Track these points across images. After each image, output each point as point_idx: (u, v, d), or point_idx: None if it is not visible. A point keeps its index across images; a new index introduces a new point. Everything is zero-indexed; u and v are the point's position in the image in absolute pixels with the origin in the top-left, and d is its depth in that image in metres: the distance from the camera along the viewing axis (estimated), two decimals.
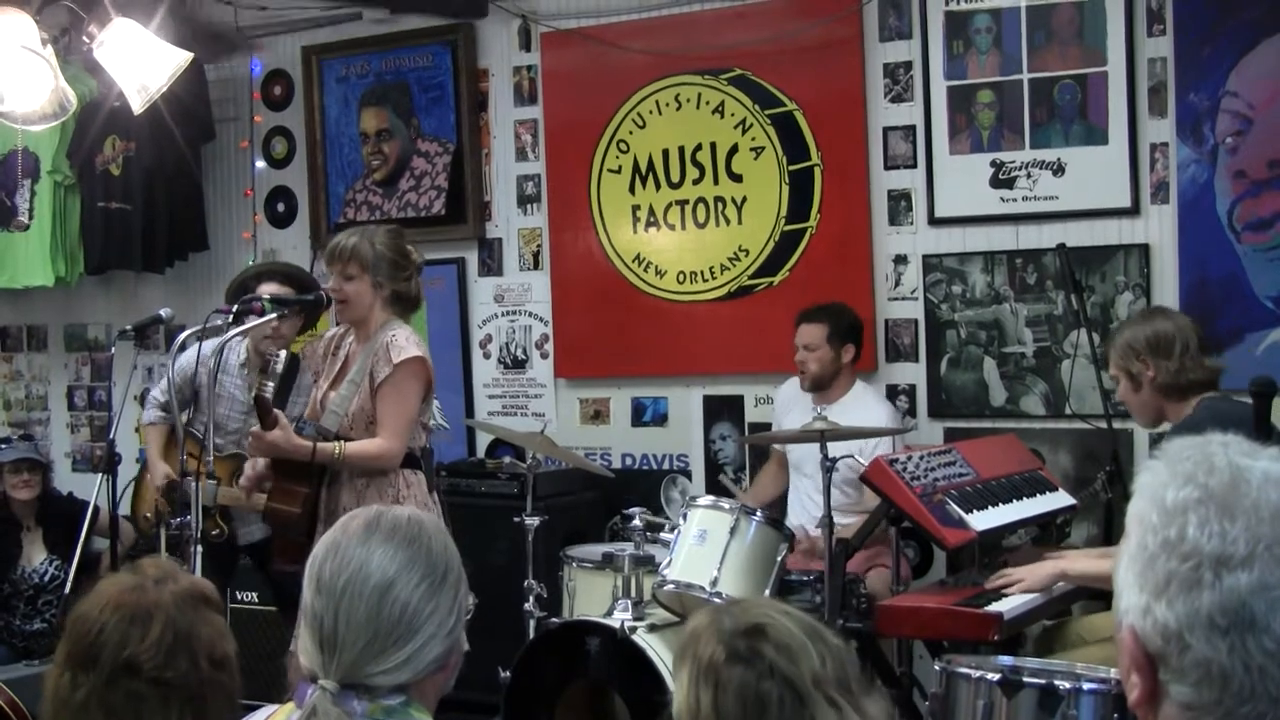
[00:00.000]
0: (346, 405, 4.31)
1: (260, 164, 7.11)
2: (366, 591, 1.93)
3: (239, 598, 5.97)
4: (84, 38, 4.39)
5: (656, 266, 6.07)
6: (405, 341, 4.28)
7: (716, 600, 4.05)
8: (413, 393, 4.30)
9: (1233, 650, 1.22)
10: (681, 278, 6.02)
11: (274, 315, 4.45)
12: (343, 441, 4.26)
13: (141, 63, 4.46)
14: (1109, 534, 4.74)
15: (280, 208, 7.08)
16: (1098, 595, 4.24)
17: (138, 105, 4.52)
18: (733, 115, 5.89)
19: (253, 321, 4.43)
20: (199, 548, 4.09)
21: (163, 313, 5.09)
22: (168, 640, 2.03)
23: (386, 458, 4.28)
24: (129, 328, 5.09)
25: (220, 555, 5.00)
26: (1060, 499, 4.63)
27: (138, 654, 2.01)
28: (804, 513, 5.12)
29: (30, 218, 7.18)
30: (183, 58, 4.48)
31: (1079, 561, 4.11)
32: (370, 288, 4.36)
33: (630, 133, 6.11)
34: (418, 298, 4.49)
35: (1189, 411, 3.91)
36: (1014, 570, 4.10)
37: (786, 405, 5.35)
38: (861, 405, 5.12)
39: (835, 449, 4.37)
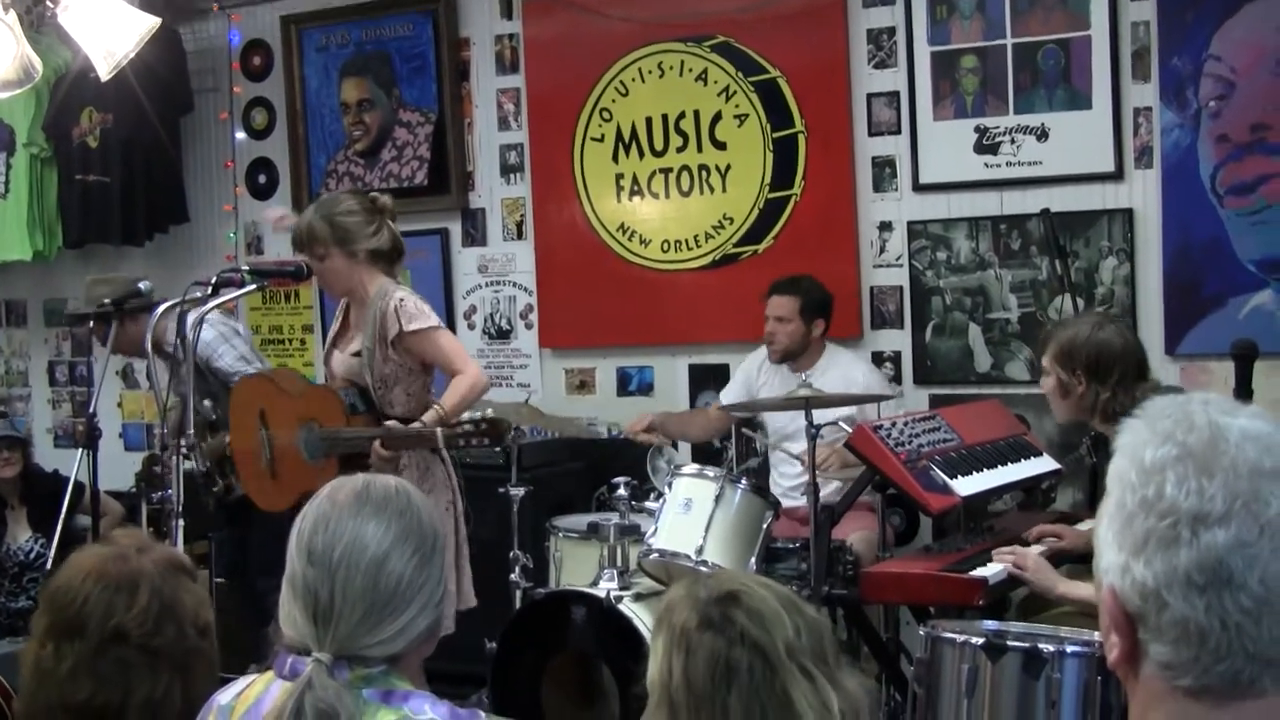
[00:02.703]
0: (367, 372, 4.30)
1: (240, 135, 7.09)
2: (363, 564, 1.93)
3: None
4: (48, 1, 4.34)
5: (641, 235, 6.06)
6: (415, 308, 4.27)
7: (703, 569, 4.05)
8: (444, 338, 4.32)
9: (1210, 608, 1.22)
10: (666, 246, 6.01)
11: (254, 286, 4.44)
12: (436, 405, 4.25)
13: (107, 28, 4.41)
14: (1094, 499, 4.75)
15: (261, 179, 7.06)
16: (1082, 559, 4.24)
17: (105, 72, 4.48)
18: (716, 83, 5.87)
19: (233, 293, 4.42)
20: (180, 521, 4.08)
21: (141, 286, 5.08)
22: (154, 608, 2.04)
23: (480, 379, 4.32)
24: (108, 302, 5.08)
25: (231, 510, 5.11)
26: (1045, 464, 4.64)
27: (125, 622, 2.01)
28: (785, 482, 5.14)
29: (6, 191, 7.16)
30: (151, 23, 4.43)
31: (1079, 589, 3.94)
32: (345, 259, 4.32)
33: (613, 101, 6.09)
34: (396, 247, 4.43)
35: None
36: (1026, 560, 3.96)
37: (760, 376, 5.33)
38: (838, 368, 5.15)
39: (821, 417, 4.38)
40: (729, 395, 5.43)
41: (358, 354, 4.34)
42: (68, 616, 2.04)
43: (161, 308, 4.47)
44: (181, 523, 4.07)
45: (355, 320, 4.43)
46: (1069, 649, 3.12)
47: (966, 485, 4.13)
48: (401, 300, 4.26)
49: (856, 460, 4.21)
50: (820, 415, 4.40)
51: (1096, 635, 3.06)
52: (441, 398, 4.27)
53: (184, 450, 4.24)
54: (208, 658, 2.13)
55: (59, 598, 2.07)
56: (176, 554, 2.19)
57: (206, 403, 4.80)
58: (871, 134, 5.62)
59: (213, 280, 4.33)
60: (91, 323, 5.30)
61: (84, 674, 2.02)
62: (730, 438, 5.74)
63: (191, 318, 4.29)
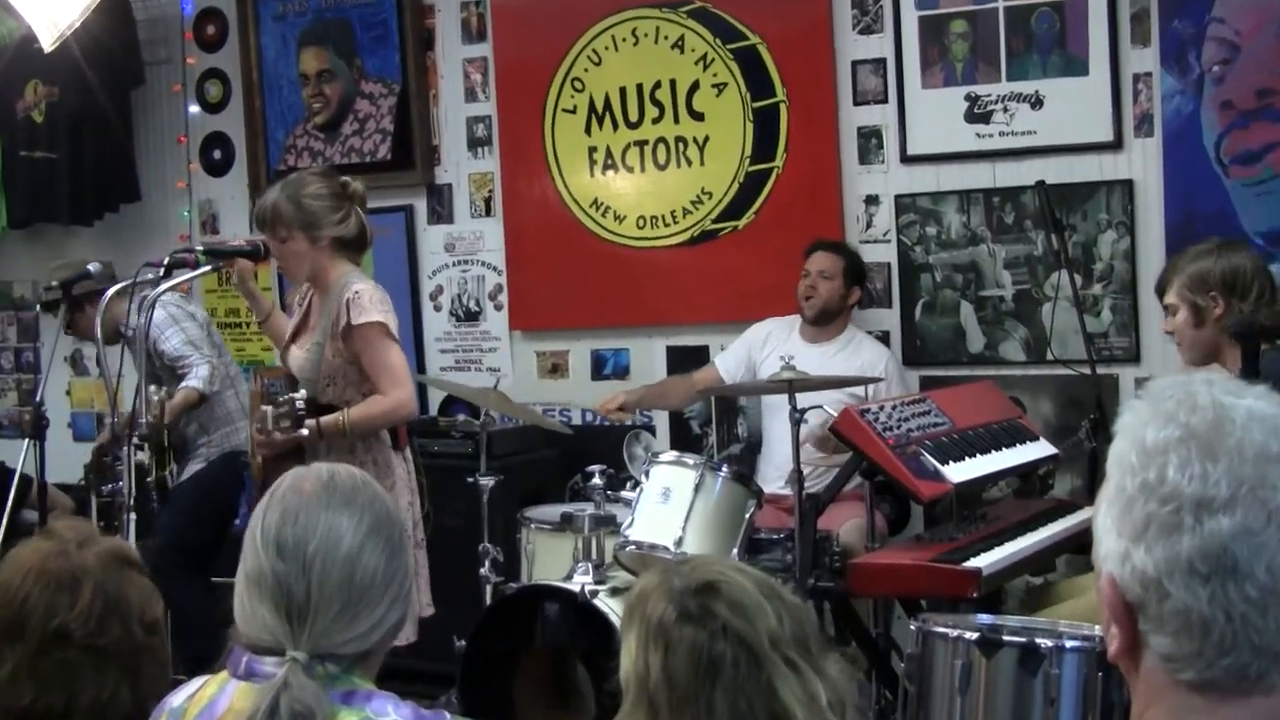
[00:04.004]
0: (316, 369, 4.27)
1: (194, 109, 7.05)
2: (338, 558, 1.93)
3: None
4: None
5: (615, 211, 6.03)
6: (369, 302, 4.21)
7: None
8: (389, 345, 4.26)
9: (1214, 598, 1.21)
10: (641, 223, 5.99)
11: (208, 268, 4.41)
12: (346, 409, 4.21)
13: None
14: (1093, 486, 4.75)
15: (216, 155, 7.02)
16: (1084, 548, 4.24)
17: (48, 42, 4.44)
18: (693, 50, 5.84)
19: (186, 274, 4.39)
20: (132, 515, 4.06)
21: (91, 267, 5.05)
22: (98, 606, 2.02)
23: (399, 409, 4.24)
24: (55, 284, 5.04)
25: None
26: (1042, 449, 4.64)
27: (67, 622, 2.00)
28: (784, 468, 5.11)
29: None
30: None
31: None
32: (307, 244, 4.28)
33: (585, 70, 6.06)
34: (362, 236, 4.39)
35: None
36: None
37: (765, 347, 5.31)
38: (857, 348, 5.20)
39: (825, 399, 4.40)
40: (727, 361, 5.43)
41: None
42: (6, 618, 2.02)
43: (111, 290, 4.43)
44: (133, 516, 4.05)
45: (316, 312, 4.39)
46: (1068, 644, 3.10)
47: (959, 471, 4.12)
48: (357, 293, 4.20)
49: None
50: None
51: (1097, 630, 3.05)
52: (352, 408, 4.23)
53: (135, 440, 4.21)
54: (158, 656, 2.11)
55: None
56: (121, 546, 2.18)
57: (152, 388, 4.78)
58: (857, 103, 5.59)
59: (165, 261, 4.30)
60: (39, 308, 5.28)
61: (25, 678, 2.00)
62: (710, 421, 5.73)
63: (144, 300, 4.27)
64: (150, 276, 4.31)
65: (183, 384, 5.31)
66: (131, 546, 2.18)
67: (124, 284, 4.32)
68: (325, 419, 4.19)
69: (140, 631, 2.07)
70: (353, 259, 4.36)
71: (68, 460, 6.36)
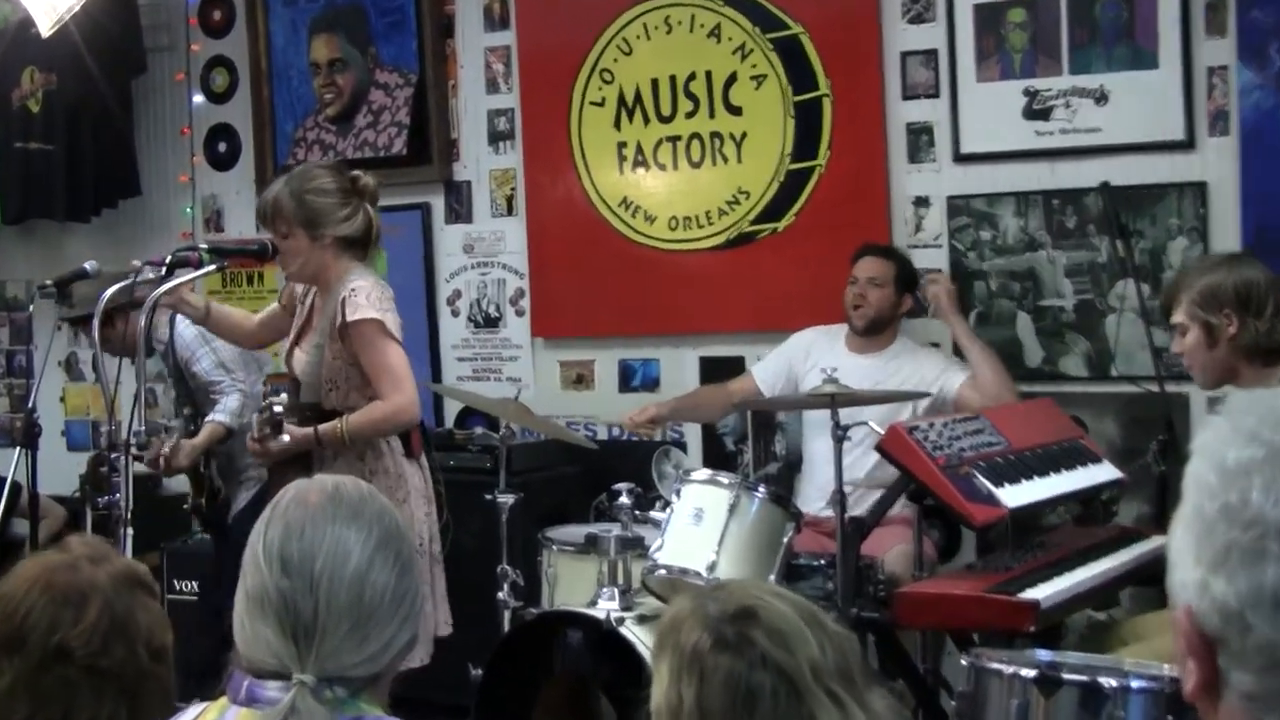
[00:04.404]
0: (317, 371, 4.29)
1: (198, 99, 7.08)
2: (347, 575, 1.94)
3: (176, 586, 5.95)
4: None
5: (645, 211, 6.03)
6: (365, 299, 4.23)
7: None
8: (387, 344, 4.27)
9: None
10: (674, 224, 5.98)
11: (213, 267, 4.41)
12: (345, 416, 4.23)
13: None
14: (1162, 513, 4.71)
15: (221, 148, 7.05)
16: (1151, 580, 4.21)
17: (46, 27, 4.47)
18: (730, 40, 5.83)
19: (189, 274, 4.40)
20: (129, 530, 4.06)
21: (88, 266, 5.06)
22: (104, 625, 2.04)
23: (400, 414, 4.25)
24: (50, 283, 5.06)
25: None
26: (1105, 472, 4.60)
27: (69, 639, 2.02)
28: (825, 488, 5.08)
29: None
30: None
31: None
32: (308, 242, 4.30)
33: (615, 60, 6.06)
34: (368, 235, 4.40)
35: (1274, 383, 3.85)
36: None
37: (809, 358, 5.28)
38: (911, 361, 5.17)
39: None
40: (765, 372, 5.42)
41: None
42: (9, 629, 2.04)
43: (109, 291, 4.44)
44: (130, 531, 4.05)
45: (318, 312, 4.40)
46: (1134, 684, 3.06)
47: (1015, 495, 4.09)
48: (354, 290, 4.22)
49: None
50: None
51: (1167, 669, 3.02)
52: (351, 415, 4.23)
53: (134, 450, 4.23)
54: (161, 683, 2.13)
55: (0, 608, 2.06)
56: (136, 568, 2.19)
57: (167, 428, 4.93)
58: (906, 97, 5.58)
59: (166, 259, 4.31)
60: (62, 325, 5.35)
61: (22, 693, 2.03)
62: (746, 437, 5.71)
63: (146, 304, 4.27)
64: (150, 276, 4.32)
65: (209, 417, 5.34)
66: (146, 570, 2.19)
67: (122, 284, 4.32)
68: (324, 427, 4.23)
69: (146, 656, 2.09)
70: (358, 257, 4.38)
71: (61, 470, 6.39)
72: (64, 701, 2.03)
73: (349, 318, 4.20)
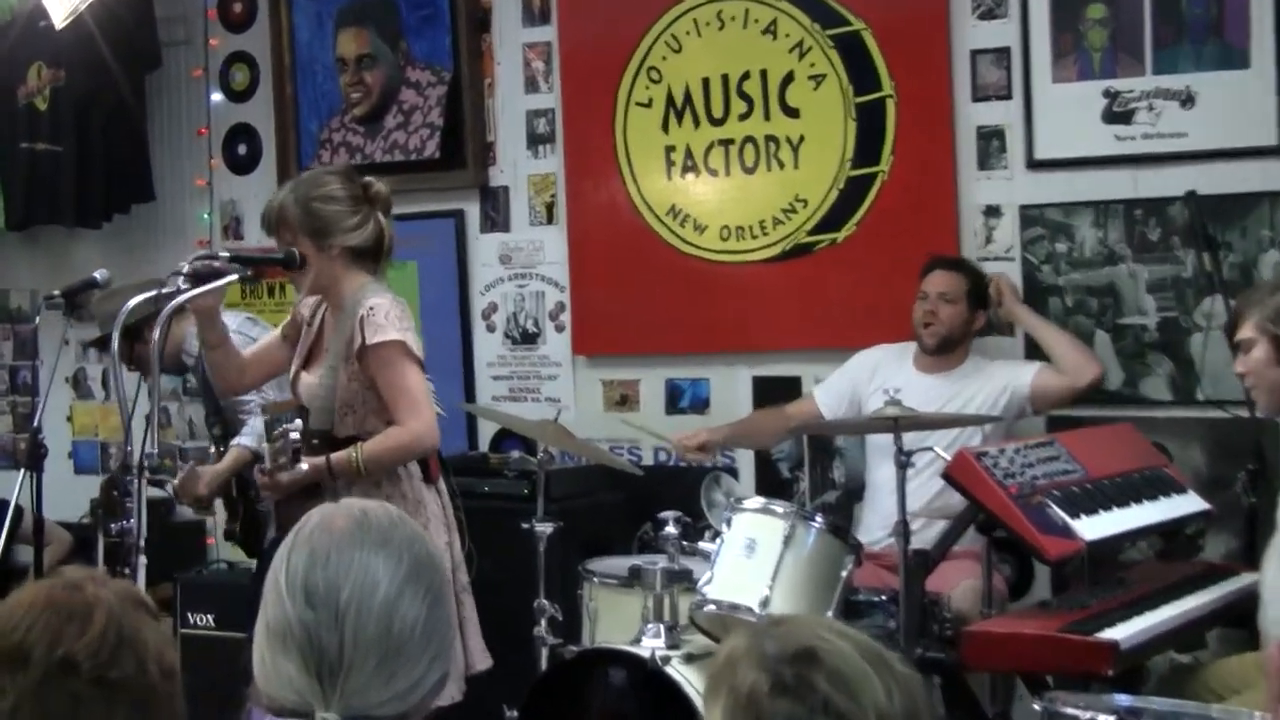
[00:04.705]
0: (330, 396, 4.30)
1: (217, 97, 7.13)
2: (375, 606, 1.95)
3: (191, 620, 5.98)
4: None
5: (695, 220, 6.05)
6: (385, 319, 4.22)
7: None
8: (408, 367, 4.29)
9: None
10: (725, 234, 6.00)
11: (234, 276, 4.42)
12: (359, 444, 4.25)
13: None
14: (1252, 547, 4.68)
15: (241, 150, 7.10)
16: (1240, 620, 4.20)
17: (59, 19, 4.52)
18: (787, 36, 5.85)
19: (214, 283, 4.40)
20: (143, 558, 4.09)
21: (98, 275, 5.10)
22: (110, 638, 2.05)
23: (419, 442, 4.27)
24: (57, 293, 5.11)
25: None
26: (1190, 503, 4.59)
27: (74, 651, 2.03)
28: (888, 519, 5.09)
29: None
30: None
31: None
32: (314, 252, 4.30)
33: (664, 58, 6.09)
34: (380, 245, 4.39)
35: None
36: None
37: (874, 379, 5.28)
38: (983, 376, 5.17)
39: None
40: (826, 394, 5.43)
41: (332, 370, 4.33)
42: (8, 646, 2.06)
43: (132, 303, 4.43)
44: (144, 559, 4.08)
45: (330, 330, 4.41)
46: None
47: (1092, 527, 4.09)
48: (372, 309, 4.21)
49: None
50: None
51: (1258, 715, 3.02)
52: (366, 444, 4.25)
53: (147, 473, 4.25)
54: (173, 704, 2.13)
55: None
56: (136, 590, 2.21)
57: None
58: (976, 99, 5.58)
59: (185, 269, 4.27)
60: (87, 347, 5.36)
61: (28, 710, 2.04)
62: (803, 463, 5.72)
63: (163, 315, 4.27)
64: (180, 286, 4.28)
65: (235, 440, 5.36)
66: (146, 595, 2.21)
67: (151, 294, 4.30)
68: (336, 456, 4.22)
69: (156, 673, 2.10)
70: (369, 269, 4.37)
71: (69, 494, 6.45)
72: (73, 716, 2.04)
73: (369, 340, 4.20)
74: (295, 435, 4.13)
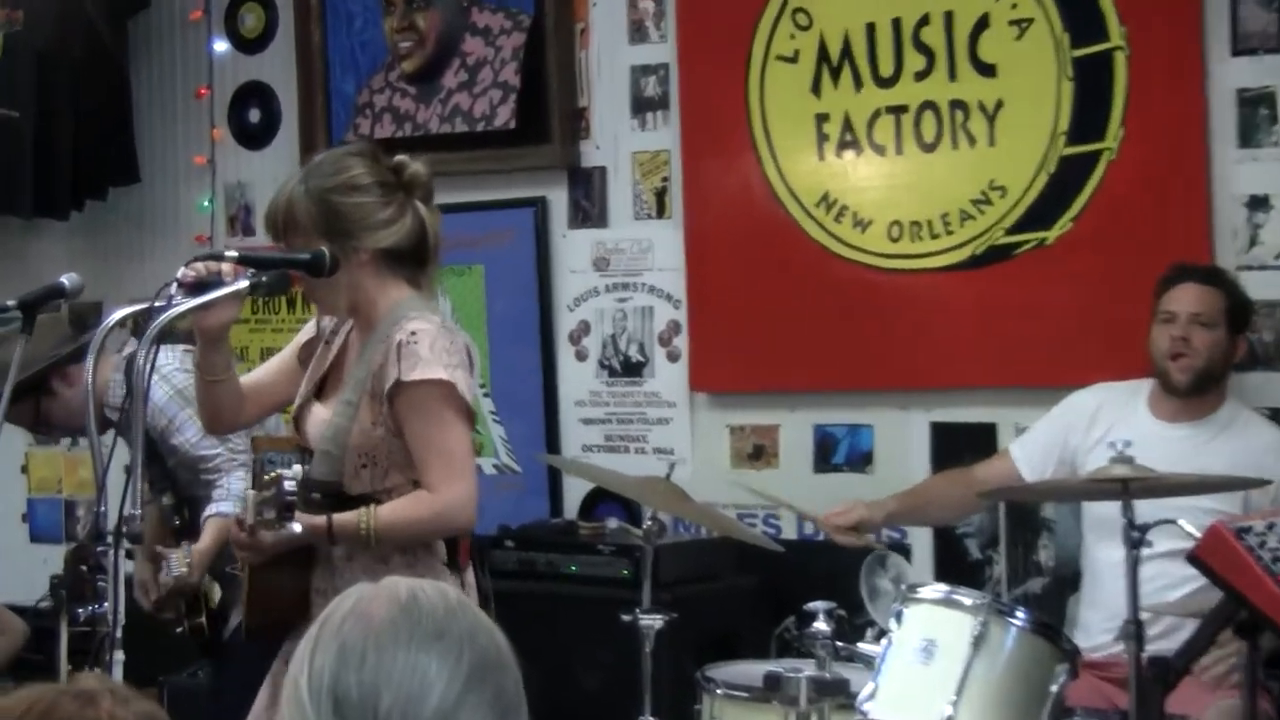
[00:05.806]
0: (344, 439, 4.30)
1: (221, 46, 7.23)
2: (425, 719, 1.96)
3: None
4: None
5: (855, 214, 6.07)
6: (429, 351, 4.18)
7: None
8: (452, 416, 4.29)
9: None
10: (896, 232, 6.02)
11: (245, 283, 4.46)
12: (371, 506, 4.25)
13: None
14: None
15: (253, 116, 7.20)
16: None
17: None
18: None
19: (219, 291, 4.42)
20: (120, 655, 4.13)
21: (65, 281, 5.15)
22: None
23: (450, 516, 4.26)
24: (11, 304, 5.19)
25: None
26: None
27: None
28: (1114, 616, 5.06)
29: None
30: None
31: None
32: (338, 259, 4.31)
33: None
34: (423, 244, 4.37)
35: None
36: None
37: (1093, 429, 5.27)
38: (1246, 431, 5.16)
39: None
40: (1028, 449, 5.42)
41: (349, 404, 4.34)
42: None
43: (112, 319, 4.46)
44: (121, 656, 4.12)
45: (354, 354, 4.42)
46: None
47: None
48: (414, 335, 4.19)
49: None
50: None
51: None
52: (381, 507, 4.25)
53: (127, 542, 4.30)
54: None
55: None
56: (160, 715, 2.24)
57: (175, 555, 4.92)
58: (1236, 52, 5.57)
59: (182, 276, 4.30)
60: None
61: None
62: (998, 540, 5.69)
63: (140, 351, 4.29)
64: (178, 299, 4.28)
65: (210, 508, 5.36)
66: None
67: (138, 308, 4.34)
68: (341, 518, 4.17)
69: None
70: (410, 278, 4.36)
71: (23, 569, 6.54)
72: None
73: (406, 376, 4.16)
74: (290, 484, 4.12)
